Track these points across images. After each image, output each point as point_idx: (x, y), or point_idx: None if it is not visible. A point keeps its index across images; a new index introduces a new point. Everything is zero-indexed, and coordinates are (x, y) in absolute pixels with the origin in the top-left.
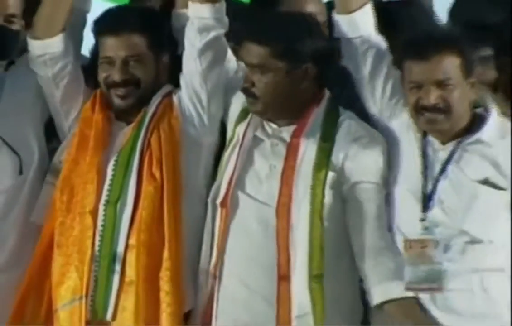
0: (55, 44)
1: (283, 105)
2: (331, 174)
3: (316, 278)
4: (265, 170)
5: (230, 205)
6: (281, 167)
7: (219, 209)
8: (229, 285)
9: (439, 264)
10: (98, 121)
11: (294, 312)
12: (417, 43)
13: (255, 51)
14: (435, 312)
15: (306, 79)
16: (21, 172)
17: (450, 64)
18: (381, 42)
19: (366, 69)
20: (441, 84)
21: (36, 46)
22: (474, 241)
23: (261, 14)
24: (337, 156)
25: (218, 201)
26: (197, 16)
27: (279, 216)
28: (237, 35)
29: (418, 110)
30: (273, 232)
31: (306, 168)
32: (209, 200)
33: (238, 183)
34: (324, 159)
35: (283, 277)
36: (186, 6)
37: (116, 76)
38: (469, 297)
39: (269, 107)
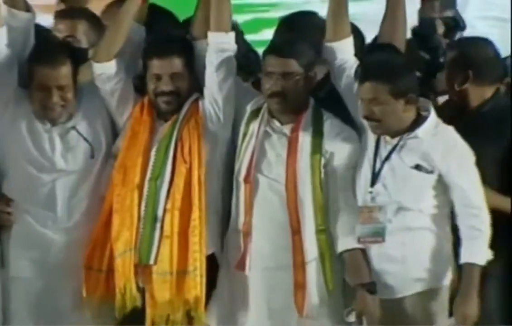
0: (110, 66)
1: (297, 102)
2: (323, 158)
3: (321, 232)
4: (273, 157)
5: (251, 180)
6: (285, 154)
7: (242, 185)
8: (257, 241)
9: (382, 224)
10: (146, 121)
11: (306, 257)
12: (356, 75)
13: (282, 62)
14: (376, 258)
15: (312, 83)
16: (92, 157)
17: (376, 89)
18: (355, 63)
19: (343, 82)
20: (371, 101)
21: (97, 67)
22: (406, 208)
23: (285, 35)
24: (326, 145)
25: (241, 178)
26: (215, 42)
27: (288, 188)
28: (267, 52)
29: (363, 117)
30: (285, 199)
31: (305, 154)
32: (234, 177)
33: (255, 166)
34: (317, 147)
35: (295, 232)
36: (201, 36)
37: (164, 88)
38: (402, 249)
39: (291, 104)
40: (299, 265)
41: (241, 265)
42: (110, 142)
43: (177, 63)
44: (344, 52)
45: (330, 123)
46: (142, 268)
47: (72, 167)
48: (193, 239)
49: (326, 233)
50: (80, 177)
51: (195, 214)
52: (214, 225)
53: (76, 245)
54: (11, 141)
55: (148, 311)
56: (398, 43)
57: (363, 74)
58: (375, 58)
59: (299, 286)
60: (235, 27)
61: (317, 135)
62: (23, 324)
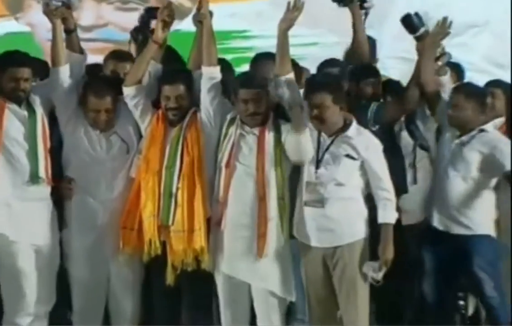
0: (133, 90)
1: (265, 116)
2: (282, 150)
3: (281, 199)
4: (247, 150)
5: (231, 167)
6: (255, 148)
7: (223, 169)
8: (231, 207)
9: (321, 195)
10: (161, 127)
11: (268, 217)
12: (309, 88)
13: (254, 92)
14: (320, 219)
15: (271, 102)
16: (127, 152)
17: (324, 98)
18: (296, 88)
19: (287, 101)
20: (317, 107)
21: (125, 90)
22: (340, 184)
23: (254, 72)
24: (283, 141)
25: (223, 164)
26: (207, 72)
27: (258, 169)
28: (241, 86)
29: (311, 119)
30: (254, 179)
31: (270, 147)
32: (217, 164)
33: (234, 156)
34: (278, 142)
35: (262, 199)
36: (196, 68)
37: (171, 105)
38: (337, 212)
39: (262, 117)
40: (262, 221)
41: (219, 223)
42: (138, 142)
43: (180, 88)
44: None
45: (285, 127)
46: (164, 228)
47: (113, 159)
48: (197, 207)
49: (284, 200)
50: (119, 166)
51: (198, 189)
52: (210, 197)
53: (115, 212)
54: (73, 141)
55: (169, 257)
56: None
57: (315, 86)
58: (323, 75)
59: (261, 236)
60: (228, 65)
61: (277, 134)
62: (80, 265)
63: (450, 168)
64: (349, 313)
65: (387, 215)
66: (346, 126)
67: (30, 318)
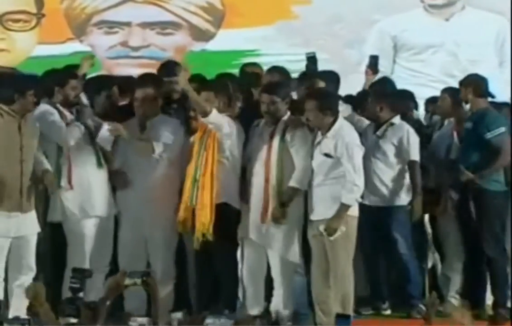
0: None
1: (279, 116)
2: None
3: (278, 180)
4: (261, 152)
5: (252, 161)
6: (266, 149)
7: (248, 163)
8: (254, 189)
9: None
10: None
11: (269, 194)
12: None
13: (270, 97)
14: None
15: (285, 107)
16: (153, 153)
17: (313, 104)
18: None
19: None
20: (308, 110)
21: None
22: (321, 173)
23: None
24: (286, 136)
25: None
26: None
27: (266, 162)
28: (263, 92)
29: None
30: (264, 164)
31: (275, 148)
32: (246, 160)
33: (254, 156)
34: (282, 145)
35: (266, 180)
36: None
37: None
38: (321, 193)
39: (275, 117)
40: (266, 197)
41: (244, 200)
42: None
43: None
44: None
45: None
46: (189, 206)
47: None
48: (214, 191)
49: (281, 180)
50: (151, 162)
51: (214, 176)
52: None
53: (149, 193)
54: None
55: (196, 226)
56: None
57: (306, 97)
58: (313, 90)
59: (265, 208)
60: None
61: (282, 140)
62: (124, 230)
63: (372, 157)
64: (334, 267)
65: (349, 199)
66: (332, 124)
67: None
